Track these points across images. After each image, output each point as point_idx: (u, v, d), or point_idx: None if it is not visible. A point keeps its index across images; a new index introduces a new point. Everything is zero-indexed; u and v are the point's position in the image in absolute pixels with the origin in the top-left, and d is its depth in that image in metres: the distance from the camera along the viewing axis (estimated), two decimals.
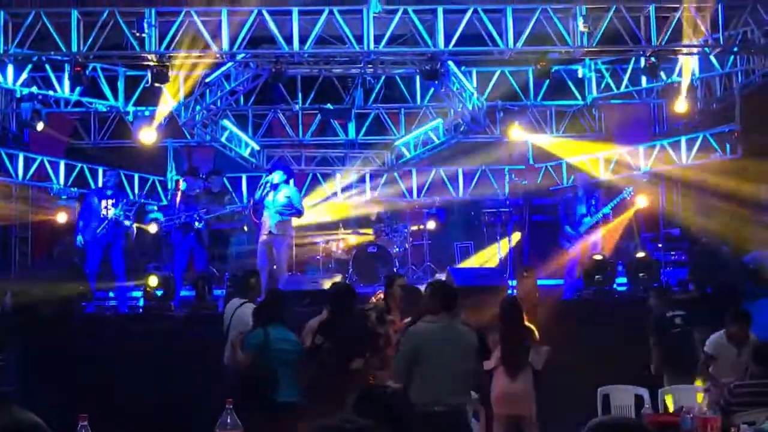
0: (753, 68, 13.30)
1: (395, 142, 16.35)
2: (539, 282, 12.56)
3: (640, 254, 13.40)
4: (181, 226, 13.13)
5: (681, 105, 13.58)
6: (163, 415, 9.98)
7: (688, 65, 13.17)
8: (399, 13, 11.88)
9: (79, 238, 12.89)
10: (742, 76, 13.61)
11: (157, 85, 12.52)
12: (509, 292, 12.36)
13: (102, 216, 12.77)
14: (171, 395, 9.97)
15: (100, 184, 14.47)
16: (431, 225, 15.06)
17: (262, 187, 12.67)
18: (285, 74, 12.44)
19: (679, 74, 13.71)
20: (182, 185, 13.82)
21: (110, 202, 12.83)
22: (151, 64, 12.11)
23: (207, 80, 13.65)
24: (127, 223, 12.98)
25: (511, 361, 8.58)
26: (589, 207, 13.50)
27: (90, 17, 11.82)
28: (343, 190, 16.28)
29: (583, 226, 13.38)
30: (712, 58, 13.10)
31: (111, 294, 12.96)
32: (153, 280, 12.23)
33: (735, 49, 12.69)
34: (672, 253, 14.18)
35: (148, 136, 14.09)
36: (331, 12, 11.78)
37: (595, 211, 13.40)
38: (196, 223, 13.14)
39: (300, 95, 15.56)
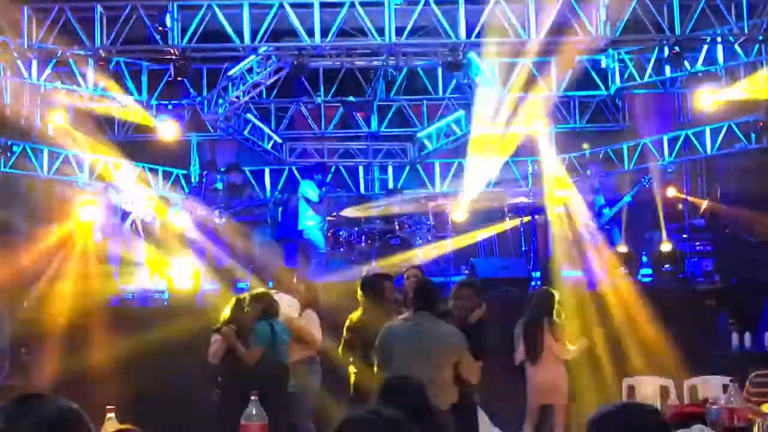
0: None
1: (418, 134, 16.34)
2: (563, 273, 12.56)
3: (666, 246, 13.33)
4: (202, 219, 13.22)
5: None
6: (188, 407, 10.03)
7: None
8: (420, 5, 11.86)
9: (98, 234, 12.92)
10: (767, 66, 13.49)
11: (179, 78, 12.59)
12: (532, 283, 12.38)
13: (122, 211, 12.82)
14: (196, 388, 10.00)
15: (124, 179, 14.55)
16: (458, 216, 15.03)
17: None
18: (307, 67, 12.45)
19: (704, 63, 13.62)
20: (203, 180, 13.92)
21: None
22: (174, 57, 12.15)
23: (229, 73, 13.68)
24: (148, 218, 13.03)
25: (531, 352, 8.66)
26: (606, 197, 13.46)
27: (113, 11, 11.88)
28: None
29: (603, 217, 13.33)
30: (736, 47, 13.00)
31: (134, 287, 13.03)
32: (185, 271, 12.26)
33: (760, 37, 12.57)
34: (697, 243, 14.09)
35: (168, 131, 14.18)
36: (352, 4, 11.78)
37: (614, 202, 13.36)
38: (216, 219, 13.22)
39: (322, 88, 15.58)
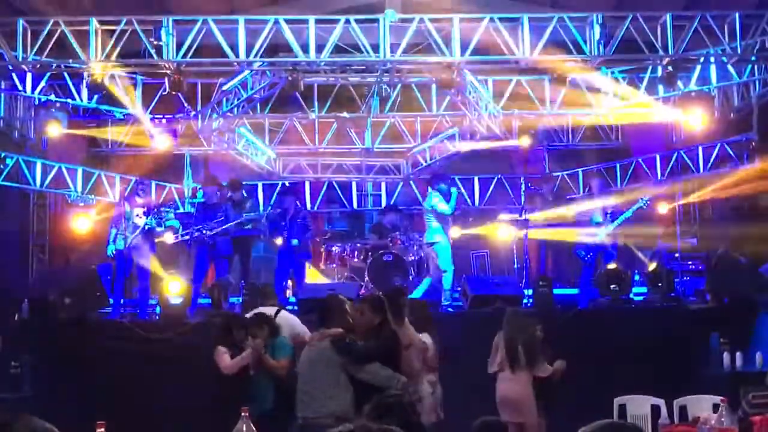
0: None
1: (411, 151, 16.35)
2: (555, 291, 12.57)
3: (651, 266, 13.35)
4: (198, 235, 13.22)
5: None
6: (180, 422, 10.00)
7: None
8: (415, 22, 11.89)
9: (111, 247, 12.91)
10: (759, 86, 13.56)
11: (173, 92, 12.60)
12: (524, 301, 12.37)
13: (133, 224, 12.82)
14: (186, 403, 9.97)
15: (116, 192, 14.57)
16: (455, 233, 15.02)
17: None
18: (301, 82, 12.46)
19: (697, 83, 13.67)
20: (199, 194, 13.90)
21: (141, 210, 12.88)
22: (168, 72, 12.15)
23: (224, 88, 13.70)
24: (159, 229, 13.05)
25: (510, 366, 8.65)
26: (605, 215, 13.48)
27: (108, 25, 11.89)
28: None
29: (599, 235, 13.35)
30: (729, 67, 13.06)
31: (134, 299, 13.01)
32: (173, 285, 12.23)
33: (753, 58, 12.63)
34: (689, 262, 14.10)
35: (162, 142, 14.22)
36: (347, 21, 11.81)
37: (611, 219, 13.37)
38: (206, 234, 13.23)
39: (316, 103, 15.60)
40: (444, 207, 13.21)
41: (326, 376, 7.05)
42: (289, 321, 9.02)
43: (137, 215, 12.85)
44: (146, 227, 12.82)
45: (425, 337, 8.13)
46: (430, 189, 13.52)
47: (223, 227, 13.32)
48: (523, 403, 8.58)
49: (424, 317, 8.46)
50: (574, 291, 13.60)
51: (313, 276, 14.32)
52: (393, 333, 7.38)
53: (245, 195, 14.62)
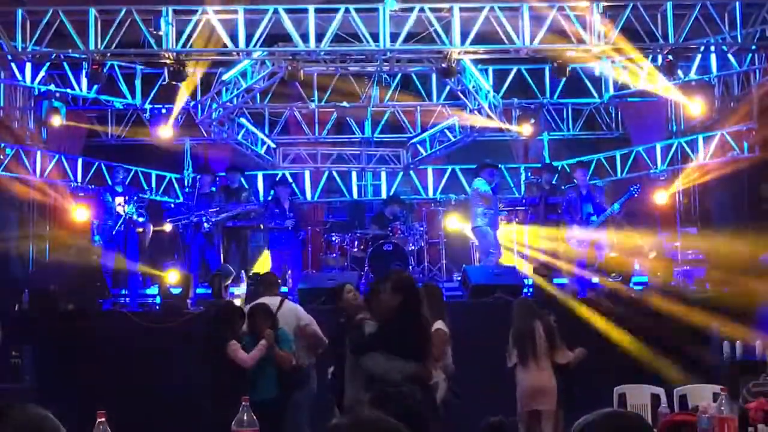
0: None
1: (411, 140, 16.34)
2: (554, 281, 12.57)
3: (652, 254, 13.35)
4: (193, 224, 13.22)
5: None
6: (181, 412, 10.01)
7: None
8: (415, 11, 11.86)
9: (97, 237, 12.93)
10: (760, 75, 13.53)
11: (173, 83, 12.58)
12: (525, 291, 12.37)
13: (116, 214, 12.82)
14: (187, 392, 9.98)
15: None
16: (453, 223, 15.04)
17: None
18: (301, 72, 12.44)
19: (697, 72, 13.65)
20: (197, 183, 13.93)
21: (122, 199, 12.88)
22: (168, 62, 12.14)
23: (223, 78, 13.68)
24: (140, 219, 13.02)
25: (524, 358, 8.63)
26: (594, 205, 13.49)
27: (107, 15, 11.86)
28: None
29: (591, 225, 13.36)
30: (730, 56, 13.04)
31: (123, 291, 12.98)
32: (173, 275, 12.24)
33: (753, 47, 12.61)
34: (689, 251, 14.10)
35: (164, 133, 14.20)
36: (347, 10, 11.78)
37: (602, 209, 13.40)
38: (205, 224, 13.22)
39: (316, 93, 15.57)
40: (487, 188, 13.56)
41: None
42: (294, 311, 9.02)
43: (119, 204, 12.85)
44: (128, 216, 12.81)
45: (441, 325, 8.06)
46: (475, 176, 13.93)
47: (224, 216, 13.33)
48: (546, 390, 8.60)
49: (438, 304, 8.37)
50: (563, 281, 13.61)
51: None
52: (416, 317, 7.11)
53: (242, 184, 14.62)
